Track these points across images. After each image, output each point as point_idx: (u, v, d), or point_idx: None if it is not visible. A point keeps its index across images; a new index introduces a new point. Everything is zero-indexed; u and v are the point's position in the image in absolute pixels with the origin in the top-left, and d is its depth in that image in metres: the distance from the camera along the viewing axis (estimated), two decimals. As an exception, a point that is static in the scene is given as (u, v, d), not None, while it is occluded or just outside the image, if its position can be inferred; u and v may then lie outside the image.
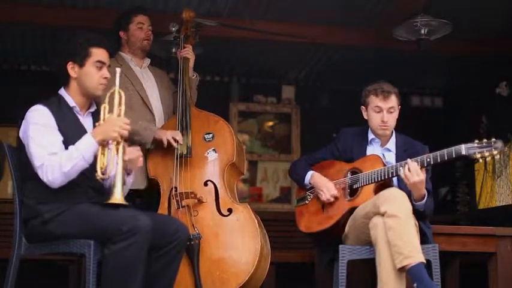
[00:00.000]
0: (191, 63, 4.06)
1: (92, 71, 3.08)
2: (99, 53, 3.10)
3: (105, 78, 3.09)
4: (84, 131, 3.06)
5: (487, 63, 5.90)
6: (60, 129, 3.00)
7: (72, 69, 3.08)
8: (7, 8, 4.86)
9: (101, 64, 3.09)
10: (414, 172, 3.24)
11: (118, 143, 2.93)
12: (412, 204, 3.30)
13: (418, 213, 3.37)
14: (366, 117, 3.65)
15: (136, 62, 4.06)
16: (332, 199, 3.51)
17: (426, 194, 3.34)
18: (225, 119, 3.93)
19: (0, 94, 5.96)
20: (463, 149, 3.20)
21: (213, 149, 3.79)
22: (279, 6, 5.00)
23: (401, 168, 3.29)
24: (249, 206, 3.69)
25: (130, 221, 2.82)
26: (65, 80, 3.12)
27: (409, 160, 3.28)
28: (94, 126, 3.08)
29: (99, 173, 2.91)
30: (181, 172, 3.72)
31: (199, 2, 4.81)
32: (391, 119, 3.56)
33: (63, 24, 5.03)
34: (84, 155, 2.89)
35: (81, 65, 3.08)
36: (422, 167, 3.29)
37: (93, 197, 3.04)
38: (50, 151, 2.90)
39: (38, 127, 2.96)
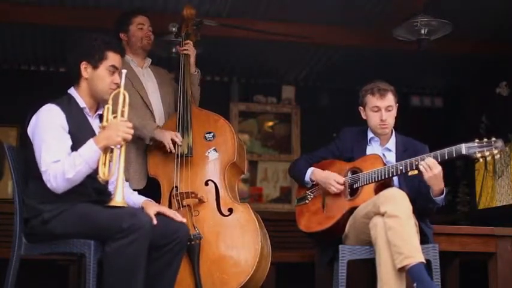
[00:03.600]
0: (192, 60, 4.04)
1: (104, 75, 3.08)
2: (114, 58, 3.10)
3: (116, 83, 3.09)
4: (94, 133, 3.07)
5: (487, 63, 5.91)
6: (71, 131, 3.00)
7: (85, 69, 3.09)
8: (7, 8, 4.86)
9: (113, 69, 3.09)
10: (432, 165, 3.23)
11: (121, 146, 2.93)
12: (432, 201, 3.32)
13: (429, 210, 3.38)
14: (364, 117, 3.65)
15: (137, 62, 4.07)
16: (342, 187, 3.50)
17: (444, 189, 3.35)
18: (225, 119, 3.93)
19: (0, 94, 5.97)
20: (463, 148, 3.20)
21: (214, 149, 3.79)
22: (279, 6, 5.00)
23: (420, 162, 3.28)
24: (249, 206, 3.69)
25: (130, 218, 2.82)
26: (76, 79, 3.13)
27: (425, 156, 3.28)
28: None
29: (100, 175, 2.91)
30: (182, 171, 3.72)
31: (199, 2, 4.80)
32: (390, 118, 3.57)
33: (63, 24, 5.04)
34: (87, 161, 2.89)
35: (95, 66, 3.08)
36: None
37: (95, 198, 3.04)
38: (55, 158, 2.90)
39: (49, 129, 2.96)
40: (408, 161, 3.34)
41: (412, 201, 3.27)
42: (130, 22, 4.04)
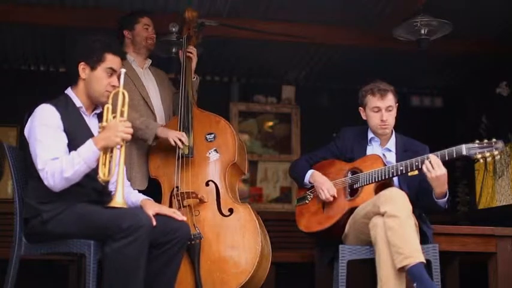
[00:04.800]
0: (193, 65, 4.07)
1: (101, 76, 3.08)
2: (112, 60, 3.10)
3: (113, 86, 3.08)
4: (90, 132, 3.07)
5: (487, 63, 5.90)
6: (66, 130, 3.00)
7: (83, 70, 3.09)
8: (7, 8, 4.85)
9: (111, 71, 3.09)
10: (436, 165, 3.22)
11: (120, 146, 2.93)
12: (433, 203, 3.31)
13: (437, 207, 3.37)
14: (364, 117, 3.65)
15: (138, 62, 4.08)
16: (331, 199, 3.51)
17: (447, 191, 3.33)
18: (226, 119, 3.93)
19: (0, 94, 5.97)
20: (463, 149, 3.21)
21: (215, 149, 3.80)
22: (279, 6, 5.00)
23: (423, 162, 3.26)
24: (249, 206, 3.69)
25: (130, 218, 2.83)
26: (74, 79, 3.13)
27: (430, 154, 3.27)
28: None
29: (100, 175, 2.91)
30: (182, 172, 3.72)
31: (199, 2, 4.81)
32: (390, 118, 3.57)
33: (63, 24, 5.03)
34: (86, 161, 2.89)
35: (93, 67, 3.08)
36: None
37: (95, 197, 3.05)
38: (52, 156, 2.90)
39: (45, 128, 2.96)
40: (408, 161, 3.34)
41: (417, 200, 3.27)
42: (137, 21, 4.08)
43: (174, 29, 4.23)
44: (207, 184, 3.74)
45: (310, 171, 3.66)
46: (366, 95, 3.59)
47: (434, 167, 3.22)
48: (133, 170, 3.81)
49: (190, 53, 4.05)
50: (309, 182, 3.66)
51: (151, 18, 4.15)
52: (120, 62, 3.15)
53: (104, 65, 3.08)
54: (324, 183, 3.56)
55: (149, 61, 4.16)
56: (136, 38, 4.07)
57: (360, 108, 3.65)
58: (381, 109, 3.54)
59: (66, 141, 2.99)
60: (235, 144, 3.79)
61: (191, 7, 4.23)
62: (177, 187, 3.70)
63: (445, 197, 3.34)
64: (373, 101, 3.56)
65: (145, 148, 3.88)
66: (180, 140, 3.70)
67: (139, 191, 3.42)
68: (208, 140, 3.82)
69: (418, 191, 3.46)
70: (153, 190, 3.74)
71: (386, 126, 3.57)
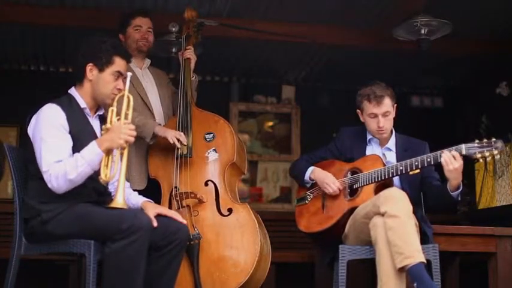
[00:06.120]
0: (192, 64, 4.06)
1: (108, 79, 3.08)
2: (120, 64, 3.11)
3: (119, 89, 3.09)
4: (94, 133, 3.07)
5: (487, 63, 5.90)
6: (71, 131, 3.01)
7: (90, 71, 3.09)
8: (7, 8, 4.86)
9: (118, 74, 3.09)
10: (454, 159, 3.21)
11: (123, 148, 2.93)
12: (448, 196, 3.30)
13: (452, 204, 3.37)
14: (362, 120, 3.64)
15: (136, 63, 4.07)
16: (338, 191, 3.50)
17: (461, 184, 3.33)
18: (225, 119, 3.93)
19: (0, 94, 5.97)
20: (463, 148, 3.21)
21: (214, 149, 3.80)
22: (279, 6, 5.00)
23: (436, 158, 3.26)
24: (249, 206, 3.69)
25: (129, 219, 2.83)
26: (80, 79, 3.13)
27: (444, 150, 3.25)
28: (101, 129, 3.08)
29: (102, 176, 2.91)
30: (181, 172, 3.72)
31: (199, 2, 4.81)
32: (388, 123, 3.55)
33: (63, 24, 5.04)
34: (89, 163, 2.89)
35: (101, 69, 3.08)
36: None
37: (95, 198, 3.05)
38: (57, 158, 2.90)
39: (50, 128, 2.96)
40: (408, 161, 3.34)
41: (425, 197, 3.27)
42: (128, 24, 4.05)
43: (174, 29, 4.22)
44: (206, 184, 3.74)
45: (310, 168, 3.66)
46: (363, 100, 3.56)
47: (452, 160, 3.21)
48: (132, 170, 3.80)
49: (189, 53, 4.03)
50: (310, 179, 3.66)
51: (148, 17, 4.10)
52: (126, 65, 3.16)
53: (112, 68, 3.09)
54: (326, 177, 3.55)
55: (148, 61, 4.15)
56: (127, 40, 4.03)
57: (358, 111, 3.64)
58: (377, 115, 3.53)
59: (71, 142, 2.99)
60: (234, 144, 3.79)
61: (191, 6, 4.22)
62: (176, 187, 3.70)
63: (459, 188, 3.33)
64: (369, 107, 3.53)
65: (145, 148, 3.87)
66: (178, 140, 3.69)
67: (139, 191, 3.42)
68: (207, 139, 3.82)
69: (424, 188, 3.47)
70: (152, 190, 3.74)
71: (383, 132, 3.56)
